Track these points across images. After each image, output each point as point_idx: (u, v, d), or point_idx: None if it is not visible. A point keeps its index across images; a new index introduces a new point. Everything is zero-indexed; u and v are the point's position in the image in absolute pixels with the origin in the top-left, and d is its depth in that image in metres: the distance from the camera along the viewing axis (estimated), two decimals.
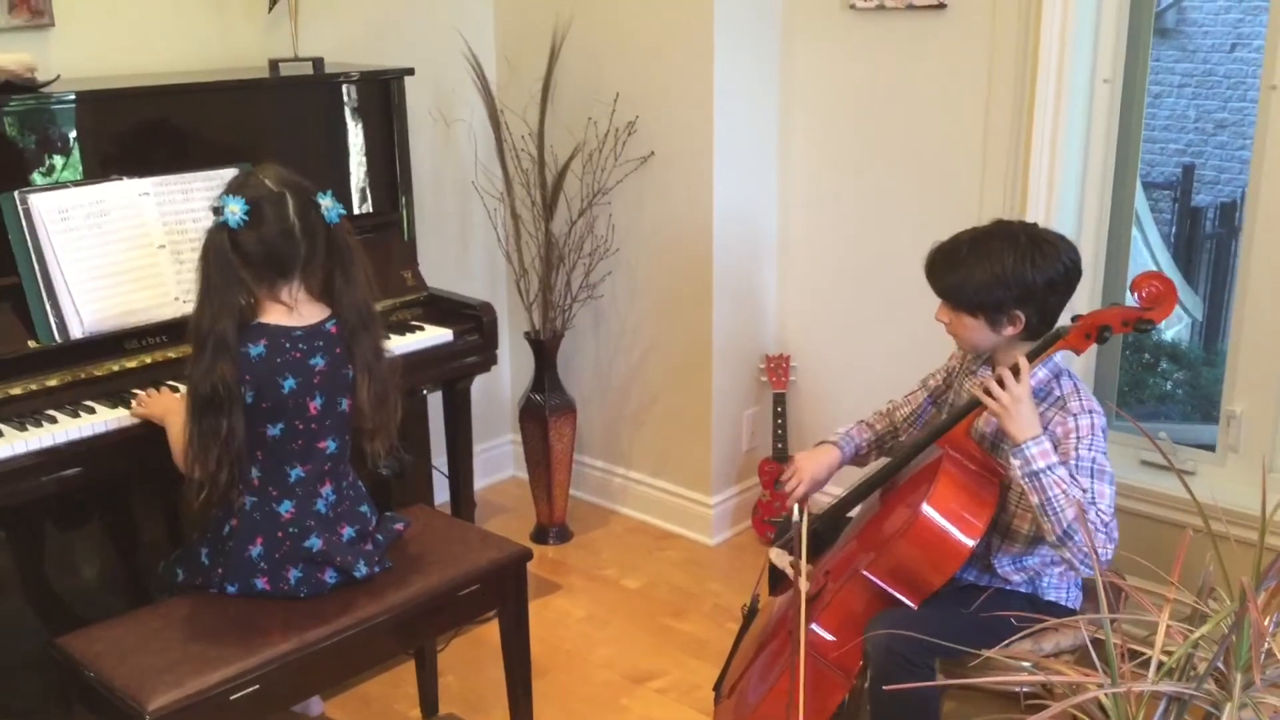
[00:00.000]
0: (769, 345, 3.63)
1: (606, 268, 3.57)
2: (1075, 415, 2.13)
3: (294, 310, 2.16)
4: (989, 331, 2.19)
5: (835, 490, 2.61)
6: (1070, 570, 2.14)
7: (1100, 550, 2.01)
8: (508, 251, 3.56)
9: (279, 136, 2.92)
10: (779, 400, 3.54)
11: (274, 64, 3.01)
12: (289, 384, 2.12)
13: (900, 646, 2.04)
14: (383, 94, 3.03)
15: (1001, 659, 1.81)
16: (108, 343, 2.46)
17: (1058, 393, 2.18)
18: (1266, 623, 1.37)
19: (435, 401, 3.11)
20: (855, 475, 2.48)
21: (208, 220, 2.16)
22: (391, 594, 2.23)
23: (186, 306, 2.29)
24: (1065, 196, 2.97)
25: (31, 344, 2.37)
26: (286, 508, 2.18)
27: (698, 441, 3.56)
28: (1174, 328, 5.86)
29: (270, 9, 3.05)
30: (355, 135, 3.01)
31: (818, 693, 2.19)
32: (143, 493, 2.62)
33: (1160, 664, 1.41)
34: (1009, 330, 2.18)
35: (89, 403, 2.38)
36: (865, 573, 2.18)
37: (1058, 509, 2.03)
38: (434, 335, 2.88)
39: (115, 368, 2.46)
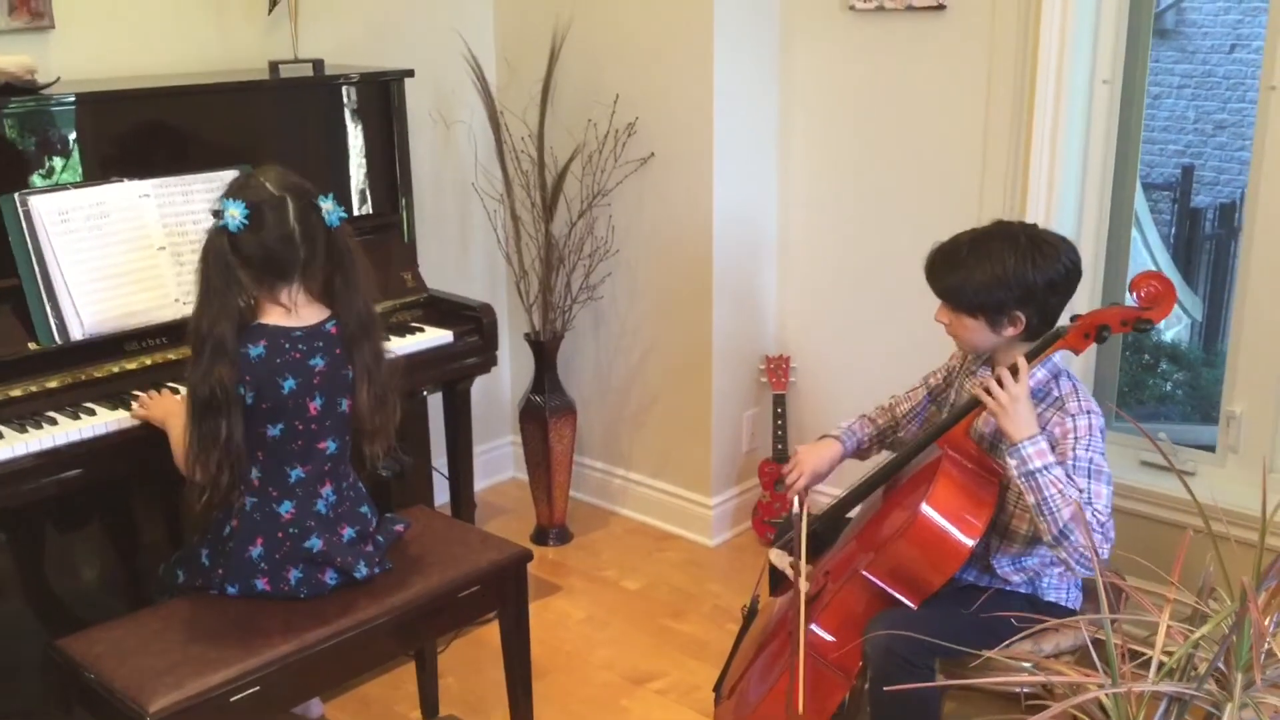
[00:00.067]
0: (769, 346, 3.63)
1: (606, 269, 3.57)
2: (1073, 416, 2.13)
3: (293, 312, 2.17)
4: (989, 332, 2.19)
5: (835, 491, 2.61)
6: (1069, 570, 2.14)
7: (1097, 550, 2.01)
8: (507, 253, 3.56)
9: (279, 138, 2.92)
10: (779, 401, 3.54)
11: (274, 65, 3.01)
12: (289, 384, 2.13)
13: (900, 647, 2.04)
14: (382, 95, 3.03)
15: (1001, 659, 1.81)
16: (108, 344, 2.46)
17: (1056, 393, 2.18)
18: (1267, 623, 1.37)
19: (435, 403, 3.11)
20: (854, 476, 2.48)
21: (208, 222, 2.16)
22: (392, 595, 2.23)
23: (186, 308, 2.29)
24: (1065, 197, 2.97)
25: (32, 346, 2.37)
26: (287, 508, 2.18)
27: (698, 443, 3.56)
28: (1174, 328, 5.86)
29: (270, 11, 3.05)
30: (355, 137, 3.01)
31: (818, 693, 2.19)
32: (143, 494, 2.62)
33: (1161, 664, 1.41)
34: (1009, 331, 2.18)
35: (89, 404, 2.38)
36: (865, 573, 2.18)
37: (1054, 509, 2.03)
38: (434, 337, 2.88)
39: (115, 369, 2.46)
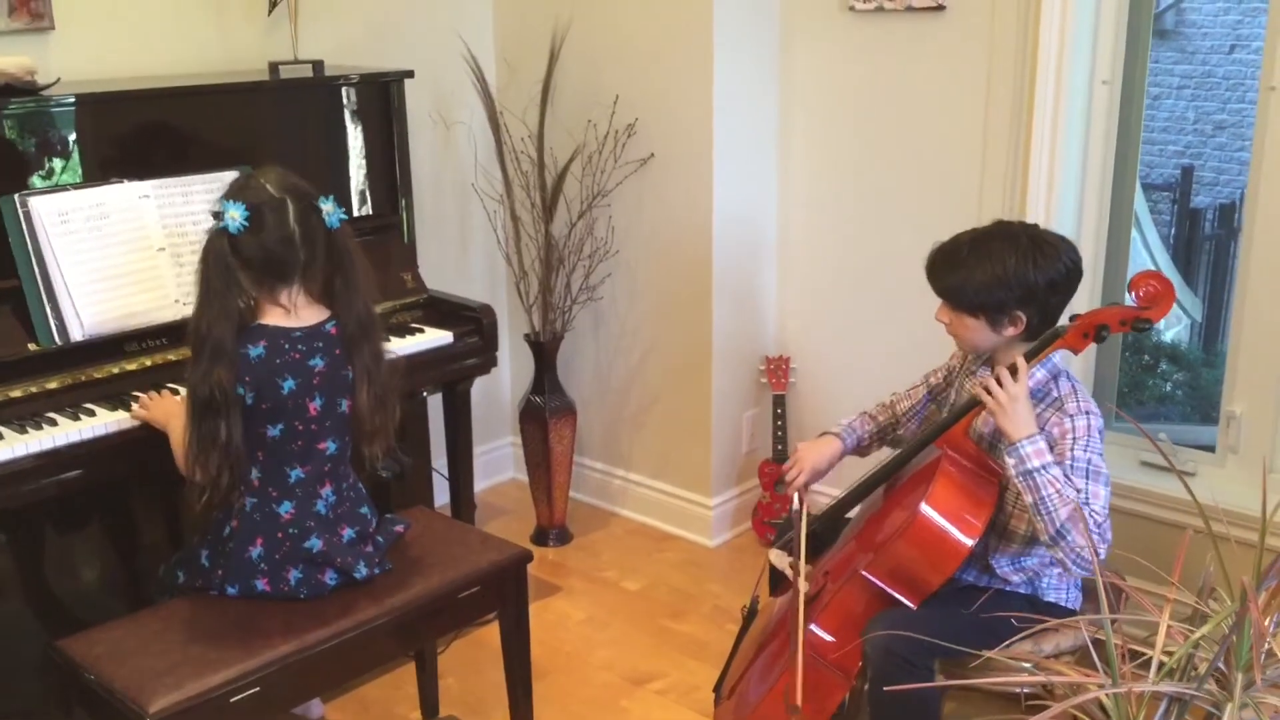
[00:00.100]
0: (769, 347, 3.63)
1: (606, 270, 3.57)
2: (1072, 416, 2.13)
3: (293, 313, 2.17)
4: (989, 332, 2.19)
5: (834, 491, 2.62)
6: (1065, 571, 2.14)
7: (1095, 550, 2.01)
8: (507, 254, 3.56)
9: (279, 139, 2.93)
10: (779, 402, 3.54)
11: (274, 66, 3.01)
12: (288, 385, 2.13)
13: (900, 647, 2.04)
14: (382, 96, 3.03)
15: (1001, 660, 1.81)
16: (108, 345, 2.46)
17: (1055, 393, 2.18)
18: (1267, 623, 1.37)
19: (435, 404, 3.11)
20: (853, 476, 2.48)
21: (208, 223, 2.16)
22: (392, 596, 2.23)
23: (186, 309, 2.29)
24: (1064, 198, 2.98)
25: (31, 346, 2.37)
26: (286, 508, 2.18)
27: (697, 443, 3.57)
28: (1174, 329, 5.86)
29: (270, 11, 3.05)
30: (355, 137, 3.01)
31: (817, 693, 2.19)
32: (143, 495, 2.62)
33: (1161, 664, 1.41)
34: (1009, 331, 2.18)
35: (89, 405, 2.38)
36: (864, 573, 2.18)
37: (1051, 509, 2.03)
38: (434, 337, 2.88)
39: (115, 370, 2.46)
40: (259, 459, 2.18)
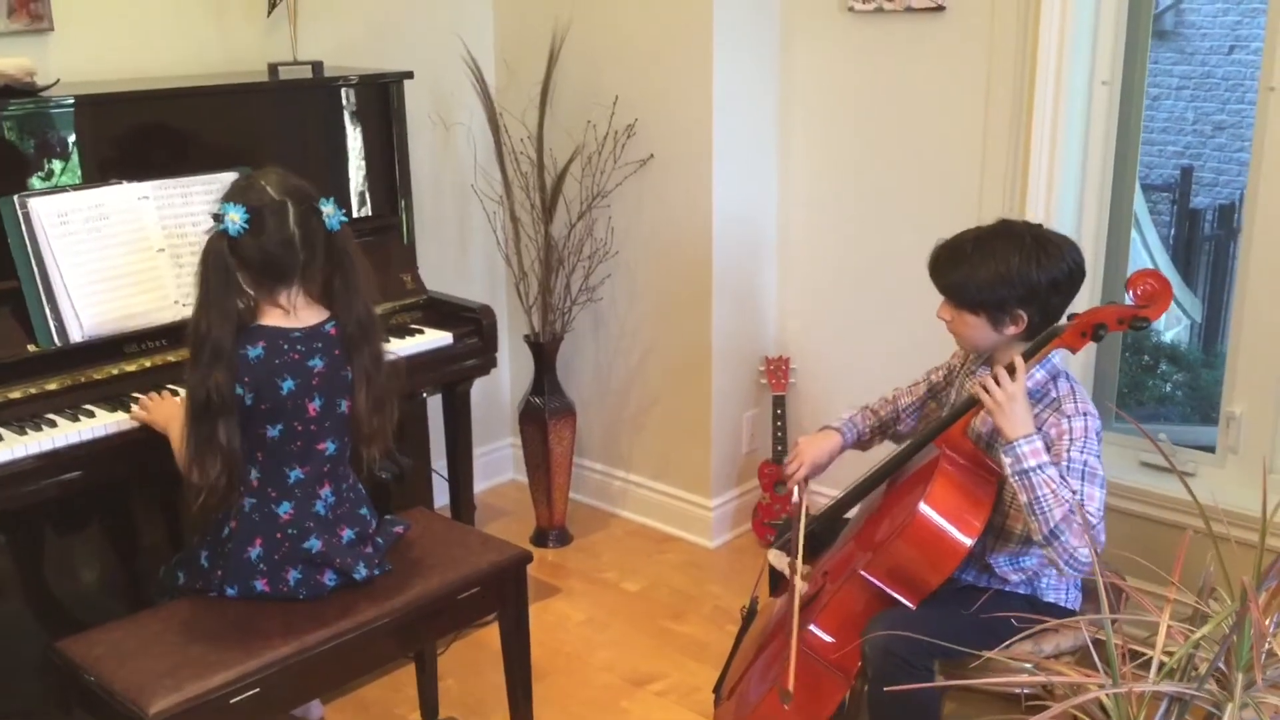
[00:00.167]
0: (769, 347, 3.63)
1: (606, 270, 3.57)
2: (1070, 417, 2.13)
3: (292, 314, 2.17)
4: (990, 330, 2.19)
5: (833, 491, 2.62)
6: (1057, 571, 2.14)
7: (1085, 551, 2.01)
8: (507, 254, 3.56)
9: (278, 140, 2.92)
10: (779, 402, 3.54)
11: (273, 67, 3.01)
12: (287, 385, 2.13)
13: (899, 647, 2.04)
14: (382, 97, 3.03)
15: (1001, 660, 1.81)
16: (107, 346, 2.46)
17: (1054, 394, 2.18)
18: (1267, 623, 1.37)
19: (435, 405, 3.11)
20: (852, 476, 2.48)
21: (207, 224, 2.16)
22: (391, 597, 2.22)
23: (186, 310, 2.29)
24: (1064, 198, 2.98)
25: (31, 348, 2.37)
26: (285, 509, 2.18)
27: (697, 444, 3.56)
28: (1173, 329, 5.86)
29: (269, 12, 3.05)
30: (354, 139, 3.01)
31: (817, 694, 2.19)
32: (142, 496, 2.62)
33: (1161, 664, 1.41)
34: (1010, 330, 2.18)
35: (88, 406, 2.38)
36: (863, 573, 2.18)
37: (1046, 508, 2.03)
38: (433, 338, 2.88)
39: (115, 371, 2.46)
40: (258, 459, 2.18)
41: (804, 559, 2.37)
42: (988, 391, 2.12)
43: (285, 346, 2.13)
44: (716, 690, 2.60)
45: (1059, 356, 2.20)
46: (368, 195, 3.06)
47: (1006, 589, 2.22)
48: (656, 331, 3.58)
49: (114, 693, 1.95)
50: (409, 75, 3.07)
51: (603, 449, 3.83)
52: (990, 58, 2.99)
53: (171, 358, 2.49)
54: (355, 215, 3.02)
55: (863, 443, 2.53)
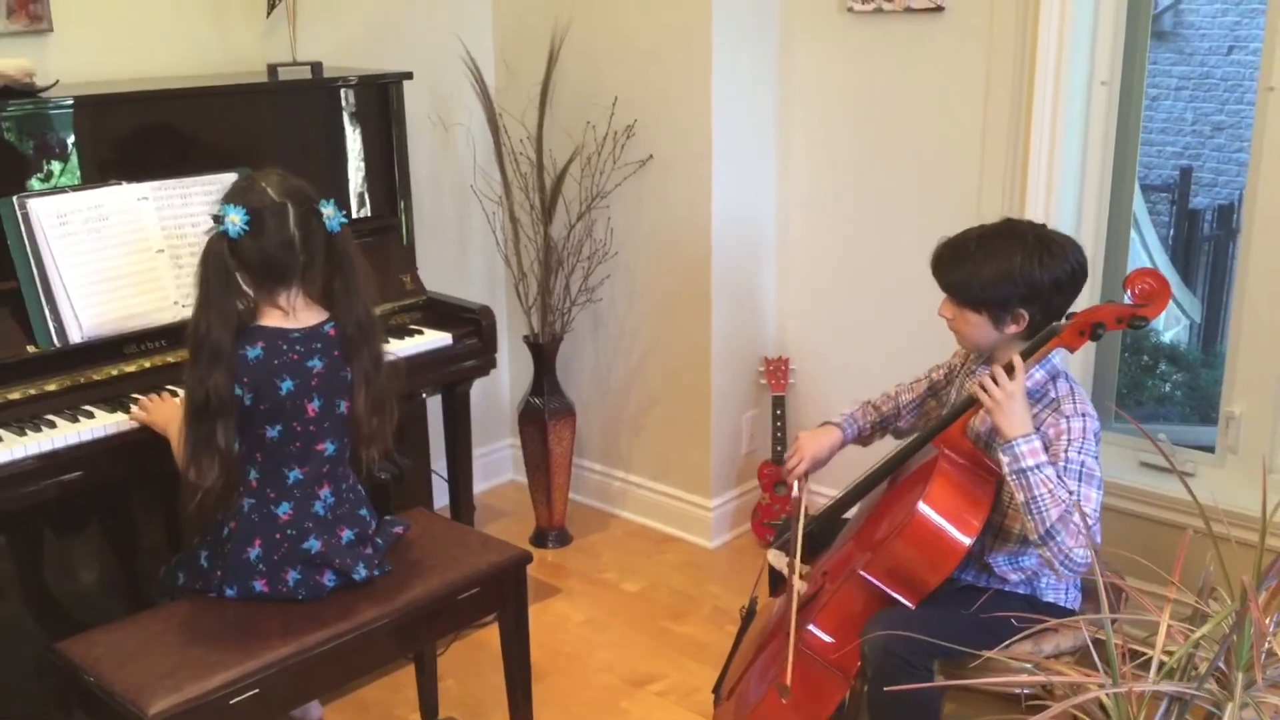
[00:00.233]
0: (768, 348, 3.63)
1: (605, 271, 3.57)
2: (1068, 418, 2.14)
3: (291, 315, 2.17)
4: (991, 329, 2.19)
5: (831, 491, 2.62)
6: (1052, 571, 2.14)
7: (1081, 552, 2.01)
8: (506, 255, 3.56)
9: (277, 141, 2.92)
10: (778, 403, 3.54)
11: (272, 68, 3.01)
12: (286, 386, 2.12)
13: (899, 647, 2.04)
14: (381, 98, 3.03)
15: (1001, 660, 1.81)
16: (106, 347, 2.45)
17: (1053, 394, 2.18)
18: (1267, 622, 1.37)
19: (434, 405, 3.11)
20: (851, 476, 2.48)
21: (206, 225, 2.16)
22: (391, 598, 2.22)
23: (185, 311, 2.29)
24: (1064, 199, 2.98)
25: (30, 349, 2.37)
26: (285, 509, 2.18)
27: (697, 445, 3.56)
28: (1172, 330, 5.86)
29: (269, 13, 3.05)
30: (354, 139, 3.01)
31: (816, 694, 2.19)
32: (142, 497, 2.62)
33: (1161, 664, 1.41)
34: (1011, 329, 2.18)
35: (88, 407, 2.37)
36: (862, 573, 2.18)
37: (1042, 508, 2.03)
38: (433, 339, 2.88)
39: (114, 372, 2.46)
40: (257, 460, 2.18)
41: (803, 559, 2.37)
42: (986, 391, 2.12)
43: (284, 347, 2.13)
44: (716, 690, 2.60)
45: (1059, 357, 2.20)
46: (367, 196, 3.05)
47: (1006, 589, 2.22)
48: (656, 332, 3.58)
49: (113, 693, 1.95)
50: (408, 76, 3.07)
51: (602, 449, 3.83)
52: (989, 58, 2.99)
53: (171, 358, 2.49)
54: (355, 216, 3.02)
55: (863, 438, 2.53)
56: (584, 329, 3.71)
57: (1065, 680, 1.49)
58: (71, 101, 2.52)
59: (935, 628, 1.99)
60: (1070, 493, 2.05)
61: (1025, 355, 2.14)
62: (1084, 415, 2.14)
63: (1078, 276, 2.18)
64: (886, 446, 2.48)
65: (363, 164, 3.03)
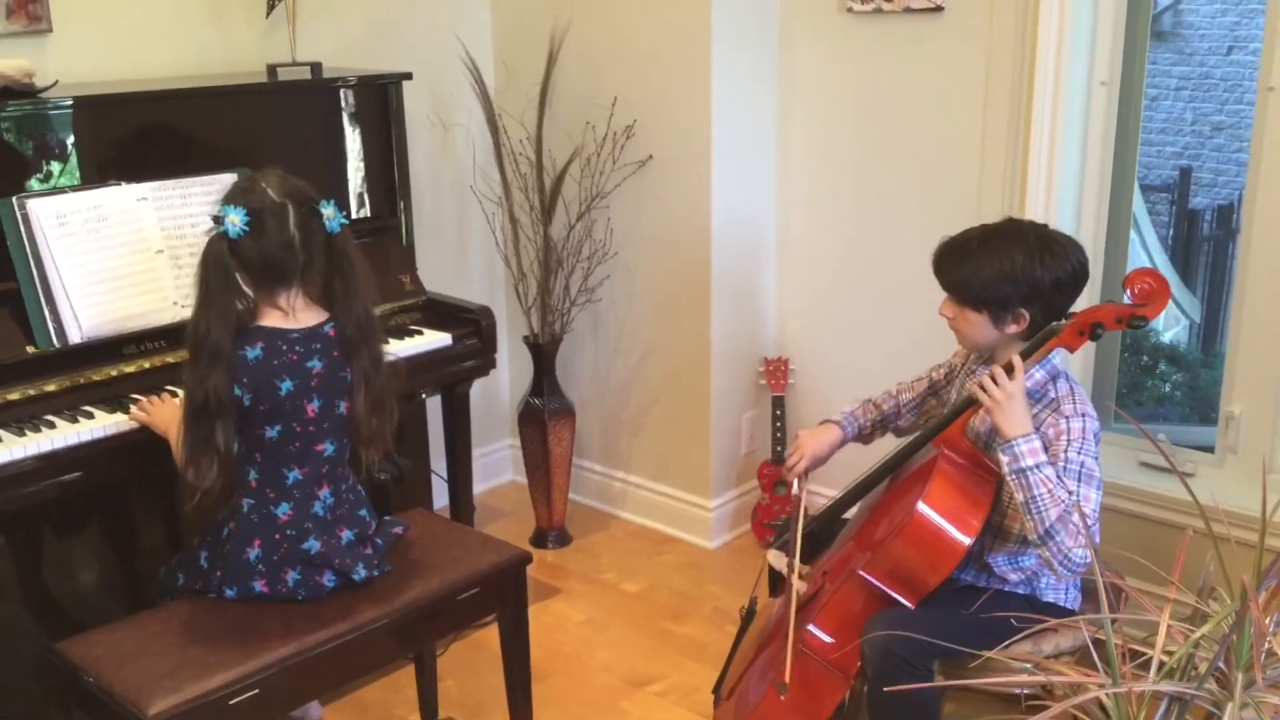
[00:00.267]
0: (768, 348, 3.63)
1: (605, 271, 3.57)
2: (1068, 418, 2.14)
3: (291, 315, 2.17)
4: (991, 328, 2.19)
5: (831, 492, 2.61)
6: (1050, 571, 2.14)
7: (1080, 552, 2.01)
8: (506, 256, 3.56)
9: (277, 141, 2.92)
10: (778, 403, 3.54)
11: (272, 68, 3.01)
12: (286, 386, 2.12)
13: (899, 647, 2.04)
14: (380, 98, 3.03)
15: (1001, 660, 1.81)
16: (106, 348, 2.45)
17: (1053, 395, 2.18)
18: (1267, 622, 1.37)
19: (434, 406, 3.11)
20: (851, 476, 2.48)
21: (206, 225, 2.16)
22: (391, 598, 2.22)
23: (185, 311, 2.29)
24: (1063, 199, 2.98)
25: (30, 349, 2.37)
26: (284, 510, 2.18)
27: (697, 445, 3.56)
28: (1172, 330, 5.86)
29: (268, 13, 3.05)
30: (353, 140, 3.01)
31: (816, 694, 2.19)
32: (141, 497, 2.62)
33: (1161, 664, 1.41)
34: (1012, 328, 2.18)
35: (87, 408, 2.37)
36: (862, 573, 2.18)
37: (1042, 508, 2.03)
38: (432, 339, 2.88)
39: (114, 373, 2.45)
40: (256, 460, 2.18)
41: (803, 559, 2.37)
42: (986, 391, 2.12)
43: (284, 347, 2.13)
44: (716, 691, 2.60)
45: (1059, 357, 2.20)
46: (366, 196, 3.05)
47: (1006, 589, 2.22)
48: (656, 332, 3.58)
49: (113, 694, 1.95)
50: (408, 76, 3.07)
51: (602, 450, 3.83)
52: (989, 58, 2.99)
53: (170, 359, 2.49)
54: (354, 216, 3.02)
55: (863, 436, 2.54)
56: (584, 329, 3.71)
57: (1065, 680, 1.49)
58: (71, 102, 2.52)
59: (935, 628, 1.99)
60: (1070, 493, 2.05)
61: (1024, 355, 2.15)
62: (1084, 415, 2.14)
63: (1079, 276, 2.18)
64: (886, 446, 2.48)
65: (362, 164, 3.03)
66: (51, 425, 2.30)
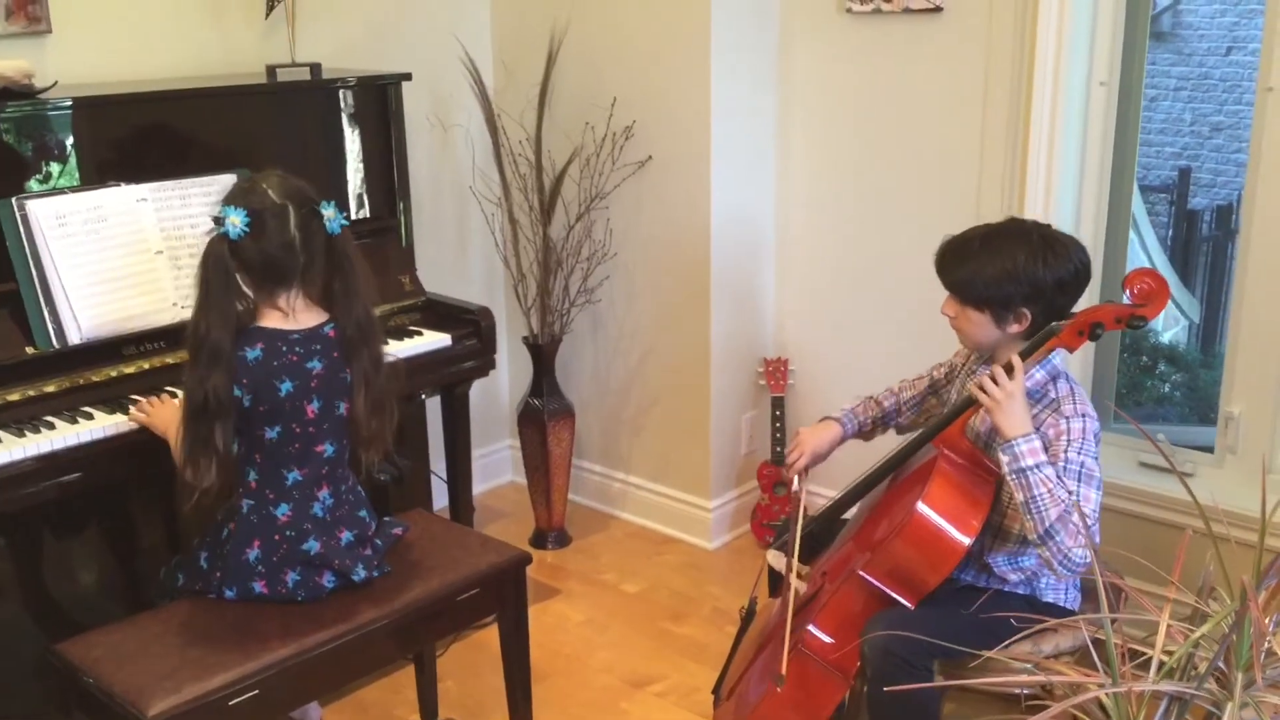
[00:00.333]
0: (767, 348, 3.63)
1: (604, 272, 3.57)
2: (1068, 419, 2.14)
3: (291, 316, 2.17)
4: (993, 327, 2.20)
5: (831, 492, 2.62)
6: (1050, 571, 2.14)
7: (1080, 552, 2.01)
8: (505, 256, 3.56)
9: (276, 142, 2.92)
10: (777, 404, 3.54)
11: (271, 69, 3.01)
12: (286, 387, 2.12)
13: (899, 647, 2.04)
14: (380, 99, 3.03)
15: (1001, 660, 1.81)
16: (106, 349, 2.45)
17: (1053, 395, 2.19)
18: (1267, 622, 1.37)
19: (434, 406, 3.11)
20: (851, 476, 2.48)
21: (205, 226, 2.16)
22: (390, 599, 2.22)
23: (184, 312, 2.29)
24: (1062, 199, 2.98)
25: (29, 350, 2.37)
26: (284, 511, 2.18)
27: (696, 445, 3.56)
28: (1171, 330, 5.87)
29: (268, 14, 3.05)
30: (353, 140, 3.01)
31: (816, 695, 2.19)
32: (141, 498, 2.62)
33: (1161, 664, 1.41)
34: (1014, 327, 2.19)
35: (87, 409, 2.37)
36: (862, 573, 2.18)
37: (1042, 508, 2.03)
38: (432, 340, 2.88)
39: (113, 373, 2.45)
40: (256, 461, 2.18)
41: (803, 559, 2.37)
42: (985, 391, 2.12)
43: (284, 348, 2.13)
44: (716, 691, 2.60)
45: (1059, 357, 2.20)
46: (366, 197, 3.05)
47: (1005, 589, 2.22)
48: (655, 333, 3.58)
49: (113, 695, 1.95)
50: (407, 77, 3.07)
51: (602, 450, 3.83)
52: (988, 59, 2.99)
53: (170, 360, 2.49)
54: (353, 217, 3.02)
55: (864, 433, 2.54)
56: (583, 330, 3.71)
57: (1065, 680, 1.49)
58: (70, 103, 2.52)
59: (935, 628, 1.99)
60: (1069, 493, 2.05)
61: (1024, 355, 2.15)
62: (1084, 416, 2.14)
63: (1081, 276, 2.18)
64: (886, 445, 2.48)
65: (362, 165, 3.03)
66: (51, 426, 2.30)
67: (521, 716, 2.52)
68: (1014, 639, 1.92)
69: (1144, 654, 1.43)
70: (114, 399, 2.42)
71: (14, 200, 2.38)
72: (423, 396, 3.05)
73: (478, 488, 3.63)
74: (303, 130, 2.97)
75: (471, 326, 2.96)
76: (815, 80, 3.36)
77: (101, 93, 2.62)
